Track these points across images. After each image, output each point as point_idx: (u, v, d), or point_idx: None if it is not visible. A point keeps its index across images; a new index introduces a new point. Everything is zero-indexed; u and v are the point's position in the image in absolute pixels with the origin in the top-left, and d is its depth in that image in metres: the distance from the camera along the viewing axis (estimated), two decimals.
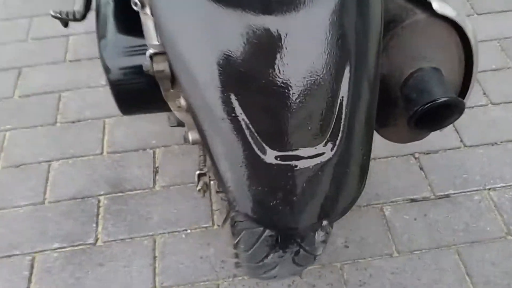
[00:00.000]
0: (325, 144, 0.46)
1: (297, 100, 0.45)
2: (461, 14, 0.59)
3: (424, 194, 1.10)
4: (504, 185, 1.11)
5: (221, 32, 0.45)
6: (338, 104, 0.46)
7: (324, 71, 0.45)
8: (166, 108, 0.79)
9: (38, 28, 1.51)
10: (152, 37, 0.68)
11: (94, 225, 1.07)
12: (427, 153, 1.17)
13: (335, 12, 0.46)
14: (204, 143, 0.48)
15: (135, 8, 0.66)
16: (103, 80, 1.31)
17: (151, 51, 0.68)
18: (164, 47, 0.50)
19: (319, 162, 0.46)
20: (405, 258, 1.00)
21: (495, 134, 1.20)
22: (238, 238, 0.65)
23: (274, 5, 0.45)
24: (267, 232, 0.62)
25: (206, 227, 1.05)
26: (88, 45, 1.45)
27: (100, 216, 1.08)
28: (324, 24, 0.46)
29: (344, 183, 0.48)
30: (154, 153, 1.19)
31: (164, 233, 1.05)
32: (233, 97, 0.45)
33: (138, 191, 1.12)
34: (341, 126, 0.46)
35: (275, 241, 0.63)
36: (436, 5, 0.56)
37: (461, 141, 1.19)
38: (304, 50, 0.45)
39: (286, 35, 0.45)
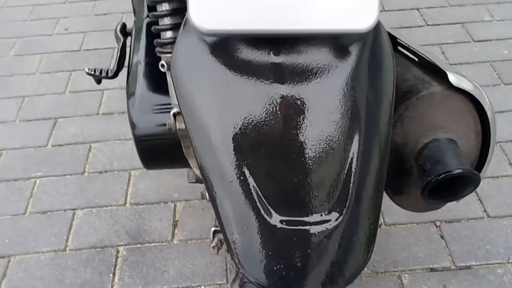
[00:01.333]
0: (332, 212, 0.47)
1: (305, 167, 0.46)
2: (478, 87, 0.60)
3: (444, 264, 1.07)
4: None
5: (234, 98, 0.48)
6: (346, 172, 0.47)
7: (333, 140, 0.47)
8: (187, 165, 0.82)
9: (75, 82, 1.60)
10: (175, 97, 0.72)
11: (111, 275, 1.08)
12: (449, 222, 1.15)
13: (347, 82, 0.48)
14: (212, 204, 0.50)
15: (161, 69, 0.71)
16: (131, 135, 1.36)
17: (174, 110, 0.72)
18: (180, 108, 0.53)
19: (325, 229, 0.46)
20: None
21: None
22: None
23: (287, 74, 0.48)
24: None
25: (220, 284, 1.05)
26: (121, 100, 1.52)
27: (117, 267, 1.10)
28: (335, 93, 0.48)
29: (350, 251, 0.48)
30: (175, 206, 1.21)
31: (178, 287, 1.05)
32: (242, 161, 0.47)
33: (157, 244, 1.13)
34: (349, 194, 0.47)
35: None
36: (452, 78, 0.58)
37: (485, 211, 1.17)
38: (314, 119, 0.47)
39: (298, 103, 0.47)
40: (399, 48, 0.70)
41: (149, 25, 0.92)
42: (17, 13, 1.93)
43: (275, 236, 0.46)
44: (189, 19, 0.46)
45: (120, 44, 0.97)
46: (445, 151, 0.57)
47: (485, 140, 0.62)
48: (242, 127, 0.47)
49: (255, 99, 0.47)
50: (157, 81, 0.80)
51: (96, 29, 1.81)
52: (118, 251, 1.12)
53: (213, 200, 0.49)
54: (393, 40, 0.70)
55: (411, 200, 0.65)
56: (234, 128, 0.47)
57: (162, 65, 0.70)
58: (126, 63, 0.94)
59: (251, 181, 0.46)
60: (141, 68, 0.87)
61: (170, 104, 0.77)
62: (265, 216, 0.46)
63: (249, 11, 0.45)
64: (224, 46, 0.50)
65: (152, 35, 0.89)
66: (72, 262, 1.11)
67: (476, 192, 1.21)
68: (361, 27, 0.45)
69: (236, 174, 0.46)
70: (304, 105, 0.47)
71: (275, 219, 0.46)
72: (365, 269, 1.06)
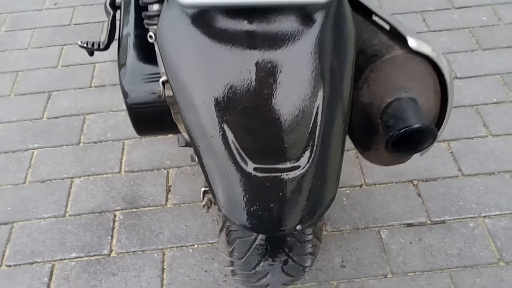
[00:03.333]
0: (300, 159, 0.53)
1: (277, 121, 0.53)
2: (437, 51, 0.66)
3: (420, 219, 1.15)
4: (499, 213, 1.15)
5: (214, 63, 0.54)
6: (312, 125, 0.54)
7: (301, 97, 0.53)
8: (177, 130, 0.88)
9: (67, 56, 1.64)
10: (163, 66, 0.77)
11: (109, 237, 1.15)
12: (426, 180, 1.23)
13: (313, 47, 0.54)
14: (198, 158, 0.56)
15: (150, 40, 0.76)
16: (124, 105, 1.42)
17: (163, 78, 0.78)
18: (167, 75, 0.59)
19: (294, 174, 0.53)
20: (399, 279, 1.05)
21: (493, 164, 1.25)
22: (232, 247, 0.73)
23: (260, 41, 0.54)
24: (258, 241, 0.69)
25: (211, 243, 1.13)
26: (112, 72, 1.57)
27: (115, 230, 1.17)
28: (302, 57, 0.54)
29: (317, 193, 0.55)
30: (167, 173, 1.28)
31: (173, 247, 1.13)
32: (222, 118, 0.53)
33: (151, 208, 1.20)
34: (315, 144, 0.54)
35: (265, 250, 0.70)
36: (412, 42, 0.64)
37: (459, 170, 1.25)
38: (284, 80, 0.53)
39: (269, 67, 0.53)
40: (373, 17, 0.75)
41: None
42: None
43: (252, 182, 0.53)
44: None
45: (110, 17, 1.01)
46: (406, 109, 0.63)
47: (444, 99, 0.69)
48: (222, 89, 0.53)
49: (232, 64, 0.53)
50: (147, 52, 0.85)
51: (85, 3, 1.84)
52: (115, 216, 1.19)
53: (198, 154, 0.55)
54: (366, 9, 0.75)
55: (378, 154, 0.71)
56: (215, 89, 0.53)
57: (150, 36, 0.75)
58: (116, 35, 0.99)
59: (230, 135, 0.53)
60: (131, 40, 0.92)
61: (159, 73, 0.82)
62: (242, 165, 0.53)
63: None
64: (203, 17, 0.56)
65: (140, 8, 0.94)
66: (72, 227, 1.18)
67: (452, 152, 1.29)
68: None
69: (217, 130, 0.53)
70: (275, 68, 0.53)
71: (251, 167, 0.53)
72: (347, 225, 1.15)
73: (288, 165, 0.53)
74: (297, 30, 0.54)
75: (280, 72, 0.53)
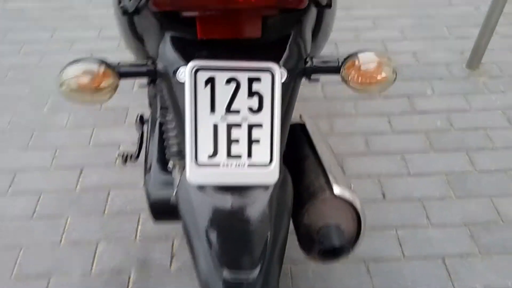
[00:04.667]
0: (256, 267, 0.87)
1: (241, 245, 0.87)
2: (354, 196, 1.01)
3: None
4: None
5: (205, 208, 0.88)
6: (263, 247, 0.88)
7: (259, 232, 0.87)
8: None
9: (97, 137, 2.02)
10: (177, 183, 1.12)
11: None
12: (375, 261, 1.56)
13: (267, 202, 0.88)
14: (191, 255, 0.90)
15: (168, 169, 1.12)
16: (140, 183, 1.78)
17: (175, 191, 1.13)
18: (180, 209, 0.94)
19: (252, 278, 0.87)
20: None
21: (429, 250, 1.59)
22: None
23: (234, 201, 0.87)
24: None
25: None
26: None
27: (130, 285, 1.50)
28: (258, 204, 0.88)
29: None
30: (172, 242, 1.62)
31: None
32: (209, 237, 0.87)
33: (159, 270, 1.54)
34: (266, 259, 0.88)
35: None
36: (337, 190, 0.99)
37: (402, 253, 1.58)
38: (247, 220, 0.87)
39: (237, 208, 0.87)
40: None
41: (161, 124, 1.33)
42: None
43: (225, 285, 0.86)
44: (187, 177, 0.85)
45: (140, 135, 1.38)
46: (331, 233, 0.98)
47: (360, 225, 1.04)
48: (207, 220, 0.87)
49: (214, 208, 0.87)
50: (165, 165, 1.21)
51: None
52: (129, 276, 1.53)
53: (190, 249, 0.90)
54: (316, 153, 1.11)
55: (314, 258, 1.05)
56: (203, 221, 0.88)
57: (169, 168, 1.11)
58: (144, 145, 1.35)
59: (213, 245, 0.87)
60: (154, 154, 1.28)
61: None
62: (218, 268, 0.86)
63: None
64: (203, 189, 0.90)
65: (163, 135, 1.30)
66: (96, 283, 1.51)
67: (398, 238, 1.63)
68: (269, 181, 0.86)
69: (204, 244, 0.87)
70: (243, 213, 0.87)
71: (226, 273, 0.87)
72: None
73: (246, 272, 0.87)
74: (256, 194, 0.88)
75: (246, 216, 0.87)
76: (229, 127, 0.82)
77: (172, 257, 1.58)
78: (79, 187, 1.81)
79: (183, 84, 0.82)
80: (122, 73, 0.85)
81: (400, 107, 2.16)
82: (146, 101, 1.71)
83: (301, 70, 0.89)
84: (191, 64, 0.80)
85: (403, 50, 2.54)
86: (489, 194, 1.77)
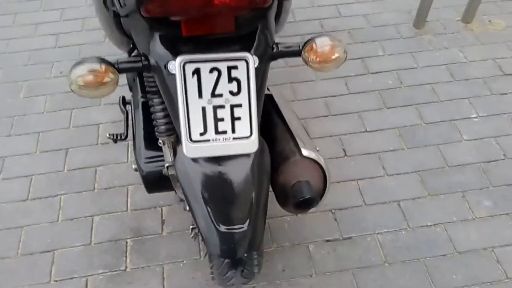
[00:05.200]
0: (245, 221, 1.07)
1: (231, 204, 1.06)
2: (319, 156, 1.21)
3: (335, 236, 1.72)
4: (387, 230, 1.73)
5: (200, 176, 1.07)
6: (250, 204, 1.07)
7: (245, 191, 1.06)
8: (173, 190, 1.41)
9: (77, 119, 2.14)
10: (167, 157, 1.30)
11: (124, 258, 1.67)
12: (340, 209, 1.79)
13: (250, 168, 1.07)
14: (191, 212, 1.09)
15: (159, 144, 1.28)
16: (125, 158, 1.94)
17: (166, 164, 1.31)
18: (180, 183, 1.11)
19: (242, 230, 1.06)
20: (320, 277, 1.61)
21: (386, 196, 1.83)
22: (212, 263, 1.27)
23: (222, 168, 1.06)
24: (226, 261, 1.23)
25: (196, 259, 1.66)
26: (113, 130, 2.08)
27: (127, 253, 1.68)
28: (243, 169, 1.07)
29: (254, 238, 1.09)
30: (161, 210, 1.80)
31: (169, 263, 1.65)
32: (205, 199, 1.06)
33: (152, 236, 1.72)
34: (252, 214, 1.08)
35: (231, 265, 1.24)
36: (305, 152, 1.19)
37: (363, 201, 1.82)
38: (234, 184, 1.06)
39: (229, 178, 1.05)
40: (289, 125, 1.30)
41: (144, 103, 1.48)
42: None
43: (222, 234, 1.06)
44: (183, 152, 1.03)
45: (125, 115, 1.53)
46: (302, 187, 1.18)
47: (325, 180, 1.24)
48: (204, 185, 1.05)
49: (209, 176, 1.06)
50: (154, 140, 1.36)
51: None
52: (127, 242, 1.71)
53: (191, 211, 1.09)
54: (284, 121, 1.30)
55: (288, 209, 1.26)
56: (201, 186, 1.06)
57: (159, 143, 1.28)
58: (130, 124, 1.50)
59: (209, 206, 1.05)
60: (141, 131, 1.44)
61: (162, 156, 1.35)
62: (216, 225, 1.06)
63: None
64: (199, 161, 1.08)
65: (147, 112, 1.46)
66: (97, 252, 1.68)
67: (359, 188, 1.86)
68: (250, 151, 1.05)
69: (202, 206, 1.06)
70: (232, 178, 1.06)
71: (222, 228, 1.06)
72: (286, 242, 1.69)
73: (238, 226, 1.07)
74: (241, 161, 1.07)
75: (234, 180, 1.06)
76: (215, 108, 1.00)
77: (162, 224, 1.76)
78: (67, 167, 1.95)
79: (173, 75, 1.00)
80: (121, 69, 1.01)
81: (355, 70, 2.36)
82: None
83: (269, 56, 1.07)
84: (179, 58, 0.97)
85: (355, 13, 2.72)
86: (436, 143, 2.02)
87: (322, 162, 1.21)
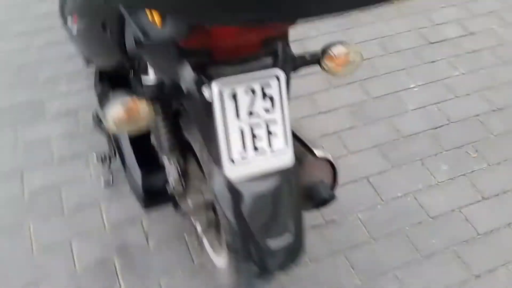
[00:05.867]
0: (293, 234, 1.09)
1: (279, 216, 1.08)
2: (328, 154, 1.26)
3: (319, 221, 1.79)
4: (364, 208, 1.84)
5: (241, 195, 1.07)
6: (295, 216, 1.10)
7: (287, 200, 1.09)
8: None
9: (23, 136, 1.98)
10: (173, 173, 1.27)
11: (116, 278, 1.61)
12: None
13: (288, 175, 1.09)
14: (230, 235, 1.10)
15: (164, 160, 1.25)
16: (87, 173, 1.85)
17: (171, 179, 1.28)
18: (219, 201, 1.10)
19: (292, 242, 1.09)
20: (316, 264, 1.68)
21: (355, 174, 1.94)
22: (238, 276, 1.27)
23: (263, 182, 1.07)
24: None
25: (190, 266, 1.64)
26: (67, 144, 1.95)
27: (118, 272, 1.62)
28: (284, 182, 1.08)
29: (302, 248, 1.12)
30: (141, 222, 1.75)
31: (164, 276, 1.62)
32: (252, 217, 1.06)
33: (138, 250, 1.67)
34: (298, 225, 1.10)
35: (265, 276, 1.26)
36: (318, 152, 1.23)
37: None
38: (279, 199, 1.08)
39: (271, 193, 1.07)
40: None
41: None
42: None
43: (273, 253, 1.08)
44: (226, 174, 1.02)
45: (106, 133, 1.46)
46: (322, 187, 1.22)
47: (335, 178, 1.30)
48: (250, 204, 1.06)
49: (256, 198, 1.07)
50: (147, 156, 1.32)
51: None
52: (114, 262, 1.64)
53: (231, 230, 1.09)
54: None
55: (307, 208, 1.30)
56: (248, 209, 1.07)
57: (163, 159, 1.25)
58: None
59: (256, 223, 1.06)
60: (130, 152, 1.39)
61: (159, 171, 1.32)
62: (264, 241, 1.07)
63: None
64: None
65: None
66: (86, 280, 1.60)
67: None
68: (289, 164, 1.07)
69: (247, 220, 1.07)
70: (270, 196, 1.08)
71: (271, 242, 1.08)
72: None
73: (287, 240, 1.09)
74: (281, 175, 1.08)
75: (278, 195, 1.08)
76: (252, 127, 1.00)
77: (146, 237, 1.72)
78: (27, 192, 1.81)
79: (208, 100, 0.99)
80: (152, 98, 0.97)
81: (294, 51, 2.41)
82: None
83: (292, 67, 1.08)
84: (216, 83, 0.96)
85: None
86: (386, 116, 2.16)
87: (332, 160, 1.26)
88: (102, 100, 1.58)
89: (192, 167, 1.35)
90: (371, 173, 1.94)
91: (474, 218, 1.79)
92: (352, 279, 1.63)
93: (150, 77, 1.16)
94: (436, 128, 2.11)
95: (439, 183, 1.91)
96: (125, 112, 0.93)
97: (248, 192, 1.06)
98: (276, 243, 1.08)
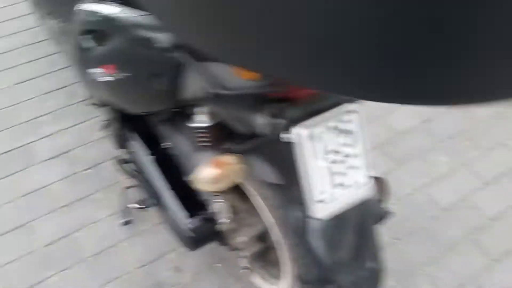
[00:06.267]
0: (378, 258, 1.12)
1: (367, 247, 1.11)
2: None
3: None
4: None
5: (333, 231, 1.08)
6: (376, 240, 1.13)
7: (371, 230, 1.12)
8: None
9: (22, 184, 1.86)
10: (226, 212, 1.26)
11: None
12: None
13: (370, 205, 1.12)
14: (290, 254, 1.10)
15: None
16: (99, 214, 1.78)
17: (223, 220, 1.27)
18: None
19: (379, 269, 1.12)
20: None
21: None
22: None
23: (348, 215, 1.10)
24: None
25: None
26: (71, 189, 1.86)
27: None
28: (367, 212, 1.11)
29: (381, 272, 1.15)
30: (170, 257, 1.71)
31: None
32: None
33: (176, 285, 1.64)
34: (374, 251, 1.13)
35: None
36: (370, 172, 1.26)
37: None
38: (364, 225, 1.11)
39: (359, 221, 1.10)
40: None
41: (158, 159, 1.38)
42: None
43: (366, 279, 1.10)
44: (312, 214, 1.03)
45: (138, 177, 1.41)
46: (376, 204, 1.26)
47: (386, 193, 1.34)
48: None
49: (346, 233, 1.08)
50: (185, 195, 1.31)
51: None
52: None
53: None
54: None
55: None
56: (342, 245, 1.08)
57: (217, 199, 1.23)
58: None
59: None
60: (167, 192, 1.35)
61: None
62: (354, 268, 1.09)
63: None
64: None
65: (166, 167, 1.36)
66: None
67: None
68: (371, 195, 1.09)
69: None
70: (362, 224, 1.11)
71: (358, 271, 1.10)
72: None
73: (373, 265, 1.12)
74: (363, 206, 1.10)
75: (364, 223, 1.10)
76: (332, 164, 1.01)
77: (179, 271, 1.68)
78: (41, 245, 1.71)
79: (288, 143, 0.98)
80: (241, 151, 0.96)
81: None
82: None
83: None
84: (299, 128, 0.95)
85: None
86: (379, 114, 2.23)
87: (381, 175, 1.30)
88: (121, 141, 1.52)
89: (237, 201, 1.34)
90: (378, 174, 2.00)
91: (481, 204, 1.91)
92: (386, 280, 1.69)
93: (203, 120, 1.14)
94: (425, 121, 2.22)
95: (442, 175, 2.00)
96: (215, 173, 0.91)
97: (335, 228, 1.08)
98: (365, 271, 1.11)
